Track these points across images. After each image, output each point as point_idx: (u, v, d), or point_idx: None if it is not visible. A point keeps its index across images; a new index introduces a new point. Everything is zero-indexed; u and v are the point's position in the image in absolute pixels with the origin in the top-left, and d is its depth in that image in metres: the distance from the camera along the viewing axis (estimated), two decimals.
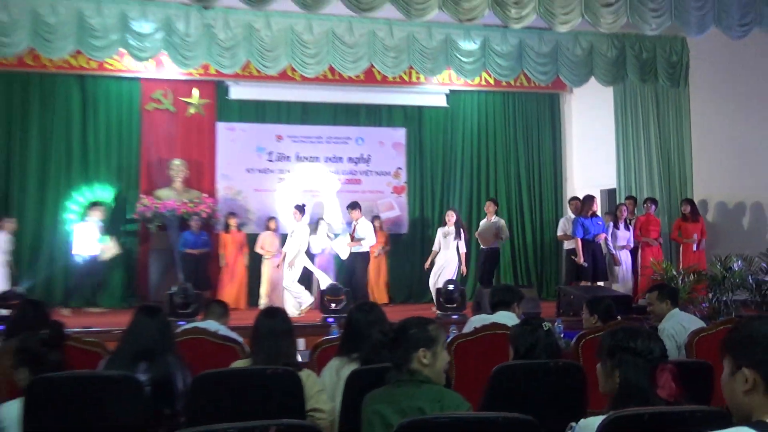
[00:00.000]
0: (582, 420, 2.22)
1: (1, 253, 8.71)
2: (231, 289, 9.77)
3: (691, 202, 9.23)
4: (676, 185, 10.05)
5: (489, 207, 9.80)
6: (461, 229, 9.31)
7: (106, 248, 9.28)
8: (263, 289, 9.65)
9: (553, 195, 11.74)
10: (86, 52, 8.51)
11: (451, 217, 9.36)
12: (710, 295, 7.79)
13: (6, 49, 8.20)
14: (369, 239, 9.07)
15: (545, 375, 2.99)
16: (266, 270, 9.74)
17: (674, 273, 8.14)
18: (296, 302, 9.02)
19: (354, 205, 9.25)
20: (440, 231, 9.42)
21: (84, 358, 3.62)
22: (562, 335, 4.95)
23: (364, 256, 9.12)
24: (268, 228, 10.01)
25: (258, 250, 9.87)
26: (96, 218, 9.26)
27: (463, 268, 9.38)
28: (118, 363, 3.12)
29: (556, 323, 5.00)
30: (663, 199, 9.93)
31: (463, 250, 9.30)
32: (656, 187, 10.02)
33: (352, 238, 9.08)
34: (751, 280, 7.68)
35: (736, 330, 1.61)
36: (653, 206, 9.28)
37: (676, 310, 4.76)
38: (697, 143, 9.97)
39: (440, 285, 8.52)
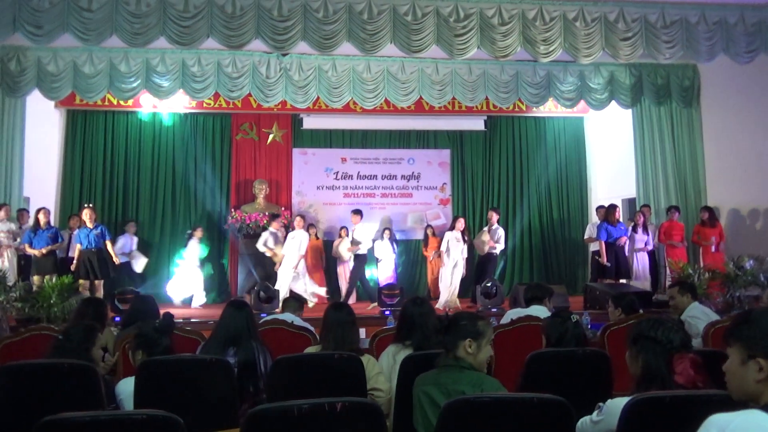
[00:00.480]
0: (609, 401, 2.14)
1: (128, 250, 9.20)
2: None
3: (709, 209, 8.84)
4: (690, 194, 9.62)
5: (494, 216, 9.27)
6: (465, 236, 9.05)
7: (142, 262, 9.45)
8: (342, 285, 9.73)
9: (579, 204, 11.41)
10: (189, 94, 8.80)
11: (492, 217, 9.16)
12: (725, 291, 7.43)
13: (126, 93, 8.58)
14: (365, 243, 8.89)
15: (574, 361, 2.90)
16: (343, 271, 9.84)
17: (690, 271, 7.78)
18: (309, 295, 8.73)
19: (356, 211, 9.14)
20: (451, 235, 8.91)
21: (185, 344, 3.69)
22: (589, 326, 4.80)
23: (361, 259, 8.90)
24: (340, 235, 10.08)
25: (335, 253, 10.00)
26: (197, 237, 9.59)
27: (463, 271, 9.04)
28: (212, 348, 3.18)
29: (583, 316, 4.85)
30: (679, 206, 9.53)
31: (465, 255, 8.97)
32: (672, 196, 9.62)
33: (353, 243, 9.04)
34: (762, 278, 7.29)
35: (748, 322, 1.50)
36: (676, 213, 8.94)
37: (696, 302, 4.56)
38: (709, 156, 9.52)
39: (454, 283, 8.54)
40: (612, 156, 10.99)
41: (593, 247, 9.12)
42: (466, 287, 9.39)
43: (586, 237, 9.58)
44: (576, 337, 3.04)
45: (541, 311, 4.33)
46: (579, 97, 9.44)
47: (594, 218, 9.72)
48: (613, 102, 9.49)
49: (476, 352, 2.43)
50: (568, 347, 2.99)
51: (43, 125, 9.77)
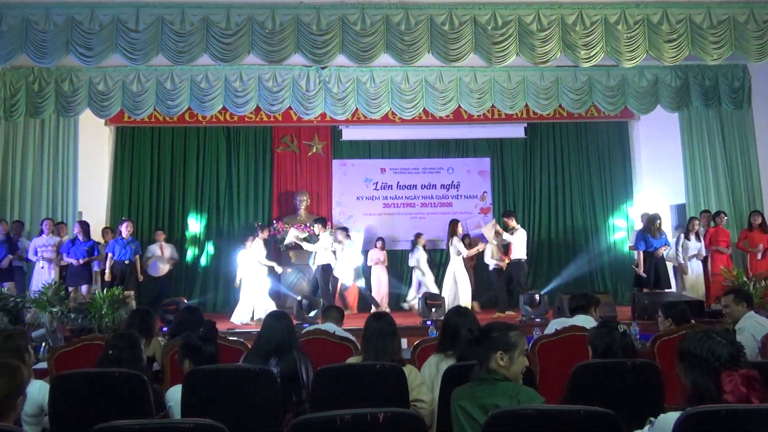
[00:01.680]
0: (661, 415, 2.05)
1: (167, 258, 9.33)
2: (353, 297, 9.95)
3: (761, 213, 8.49)
4: (742, 199, 9.24)
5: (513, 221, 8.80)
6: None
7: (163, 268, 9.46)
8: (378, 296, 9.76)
9: (625, 211, 11.11)
10: (231, 108, 9.01)
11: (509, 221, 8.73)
12: None
13: (171, 110, 8.85)
14: (320, 253, 8.64)
15: (622, 373, 2.82)
16: (382, 280, 9.88)
17: (745, 279, 7.46)
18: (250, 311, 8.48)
19: (317, 220, 9.01)
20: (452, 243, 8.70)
21: (229, 353, 3.76)
22: (638, 337, 4.66)
23: (325, 268, 8.63)
24: (375, 246, 10.10)
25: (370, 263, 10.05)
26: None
27: (469, 285, 8.79)
28: (255, 358, 3.23)
29: (631, 326, 4.72)
30: (729, 212, 9.17)
31: (461, 264, 8.75)
32: (723, 201, 9.26)
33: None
34: None
35: None
36: (724, 218, 8.62)
37: (752, 311, 4.38)
38: (764, 159, 9.14)
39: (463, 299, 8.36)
40: (659, 161, 10.67)
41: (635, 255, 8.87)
42: (494, 297, 9.22)
43: (629, 245, 9.33)
44: (624, 348, 2.97)
45: (586, 321, 4.24)
46: (622, 101, 9.23)
47: (640, 226, 9.46)
48: (659, 106, 9.24)
49: (509, 365, 2.38)
50: (615, 358, 2.91)
51: (94, 142, 10.16)
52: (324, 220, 9.13)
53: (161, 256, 9.30)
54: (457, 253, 8.66)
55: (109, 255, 8.37)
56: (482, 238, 9.44)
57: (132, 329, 4.27)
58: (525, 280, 8.83)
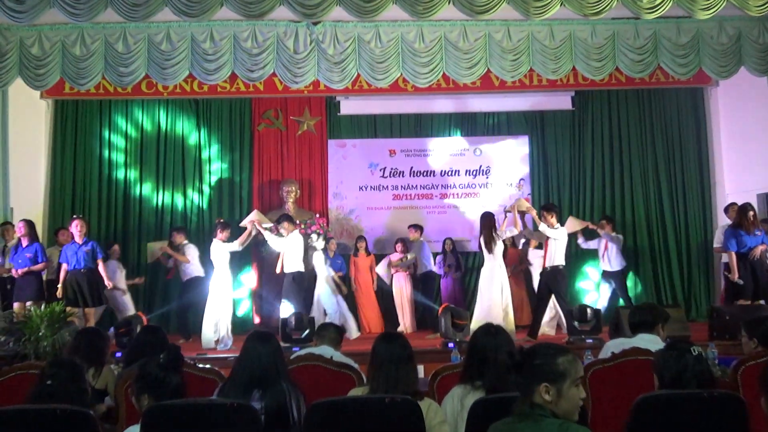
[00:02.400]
0: None
1: (117, 281, 9.32)
2: (370, 313, 10.04)
3: None
4: None
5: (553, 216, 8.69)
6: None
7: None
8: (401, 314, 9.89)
9: (700, 201, 11.06)
10: (199, 76, 9.01)
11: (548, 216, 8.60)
12: None
13: (124, 78, 8.87)
14: (289, 257, 8.78)
15: (697, 407, 2.81)
16: (405, 293, 9.97)
17: None
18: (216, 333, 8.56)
19: (282, 218, 9.03)
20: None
21: (199, 385, 3.77)
22: (716, 361, 4.64)
23: (296, 278, 8.77)
24: (395, 251, 10.15)
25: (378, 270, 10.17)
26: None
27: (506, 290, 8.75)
28: (232, 390, 3.24)
29: (708, 348, 4.69)
30: None
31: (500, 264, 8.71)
32: None
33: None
34: None
35: None
36: None
37: None
38: None
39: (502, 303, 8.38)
40: (744, 138, 10.61)
41: (725, 258, 8.80)
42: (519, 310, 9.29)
43: (715, 246, 9.26)
44: (698, 376, 2.97)
45: (651, 342, 4.22)
46: (696, 62, 9.16)
47: (724, 220, 9.41)
48: (743, 68, 9.17)
49: (556, 400, 2.36)
50: (688, 388, 2.91)
51: (27, 120, 10.22)
52: (290, 218, 9.15)
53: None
54: (498, 249, 8.57)
55: (64, 266, 8.33)
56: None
57: (77, 355, 4.30)
58: (566, 291, 8.80)
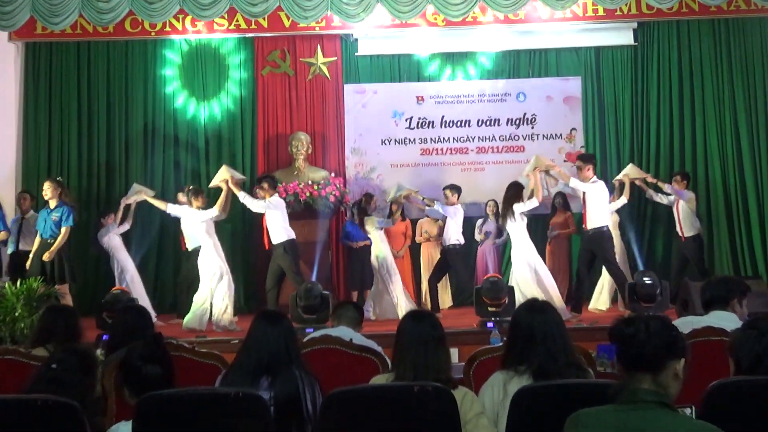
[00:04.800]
0: None
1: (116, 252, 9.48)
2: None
3: None
4: None
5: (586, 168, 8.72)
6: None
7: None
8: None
9: None
10: (192, 12, 8.99)
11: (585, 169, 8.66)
12: None
13: (105, 16, 8.86)
14: (273, 224, 8.88)
15: None
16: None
17: None
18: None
19: (263, 178, 9.19)
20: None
21: (199, 372, 3.83)
22: None
23: (287, 247, 8.88)
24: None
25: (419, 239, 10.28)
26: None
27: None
28: (238, 378, 3.28)
29: None
30: None
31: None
32: None
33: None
34: None
35: None
36: None
37: None
38: None
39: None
40: None
41: None
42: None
43: None
44: None
45: (727, 320, 4.21)
46: None
47: None
48: None
49: (681, 379, 2.41)
50: None
51: None
52: (272, 179, 9.21)
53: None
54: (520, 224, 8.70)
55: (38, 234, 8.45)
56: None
57: (52, 338, 4.37)
58: (613, 255, 8.76)
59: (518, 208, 8.54)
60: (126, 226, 9.47)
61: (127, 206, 9.50)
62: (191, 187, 9.41)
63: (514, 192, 8.74)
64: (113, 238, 9.42)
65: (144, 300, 8.75)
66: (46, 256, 8.32)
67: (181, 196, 9.58)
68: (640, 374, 2.39)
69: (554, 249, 10.10)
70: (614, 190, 9.43)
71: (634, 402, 2.34)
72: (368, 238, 9.65)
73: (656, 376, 2.36)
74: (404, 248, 10.16)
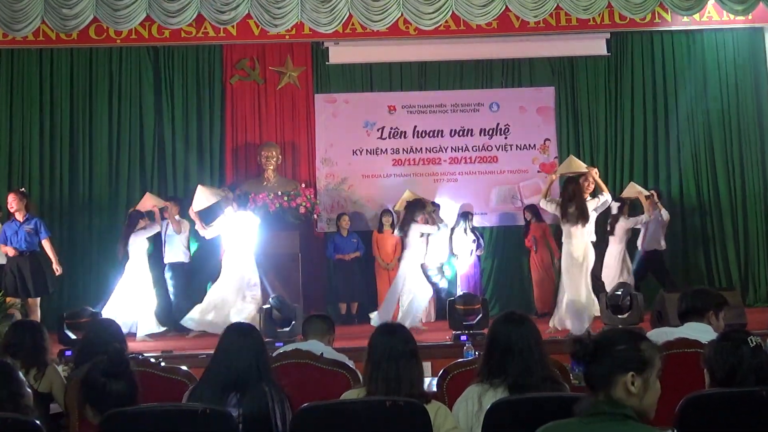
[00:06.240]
0: None
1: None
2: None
3: None
4: None
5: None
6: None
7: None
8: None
9: (760, 167, 11.01)
10: (159, 19, 8.96)
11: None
12: None
13: (69, 22, 8.80)
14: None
15: (755, 407, 2.83)
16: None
17: None
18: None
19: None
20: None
21: (166, 388, 3.81)
22: None
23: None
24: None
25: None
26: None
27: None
28: (205, 394, 3.25)
29: None
30: None
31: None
32: None
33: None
34: None
35: None
36: None
37: None
38: None
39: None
40: None
41: None
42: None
43: None
44: (756, 371, 3.00)
45: (701, 331, 4.24)
46: None
47: None
48: None
49: (642, 392, 2.39)
50: (744, 386, 2.94)
51: None
52: (248, 196, 9.34)
53: None
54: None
55: (2, 247, 8.43)
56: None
57: (20, 353, 4.32)
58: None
59: (591, 204, 8.14)
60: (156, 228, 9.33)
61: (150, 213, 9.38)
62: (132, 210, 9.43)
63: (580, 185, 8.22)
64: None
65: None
66: (59, 269, 8.57)
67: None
68: (595, 390, 2.43)
69: (538, 261, 10.20)
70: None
71: (595, 414, 2.38)
72: (358, 250, 9.72)
73: (608, 391, 2.39)
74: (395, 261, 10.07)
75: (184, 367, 4.24)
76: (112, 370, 3.14)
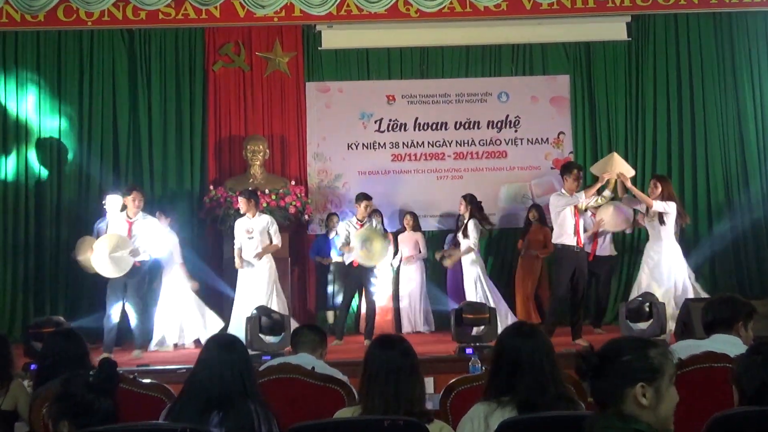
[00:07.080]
0: None
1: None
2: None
3: None
4: None
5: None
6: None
7: None
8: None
9: None
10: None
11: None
12: None
13: (35, 3, 8.81)
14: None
15: None
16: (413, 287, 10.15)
17: None
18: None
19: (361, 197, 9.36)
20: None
21: (141, 405, 3.81)
22: None
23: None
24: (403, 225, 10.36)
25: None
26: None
27: None
28: (185, 412, 3.25)
29: None
30: None
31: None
32: None
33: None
34: None
35: None
36: None
37: None
38: None
39: None
40: None
41: None
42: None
43: None
44: None
45: (730, 344, 4.24)
46: None
47: None
48: None
49: (654, 403, 2.41)
50: None
51: None
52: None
53: None
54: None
55: None
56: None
57: None
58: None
59: (658, 206, 8.49)
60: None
61: None
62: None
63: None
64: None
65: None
66: None
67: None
68: (604, 407, 2.45)
69: (525, 269, 10.16)
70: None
71: (611, 428, 2.40)
72: (341, 253, 9.79)
73: (618, 406, 2.41)
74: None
75: (161, 383, 4.24)
76: (102, 385, 3.14)
